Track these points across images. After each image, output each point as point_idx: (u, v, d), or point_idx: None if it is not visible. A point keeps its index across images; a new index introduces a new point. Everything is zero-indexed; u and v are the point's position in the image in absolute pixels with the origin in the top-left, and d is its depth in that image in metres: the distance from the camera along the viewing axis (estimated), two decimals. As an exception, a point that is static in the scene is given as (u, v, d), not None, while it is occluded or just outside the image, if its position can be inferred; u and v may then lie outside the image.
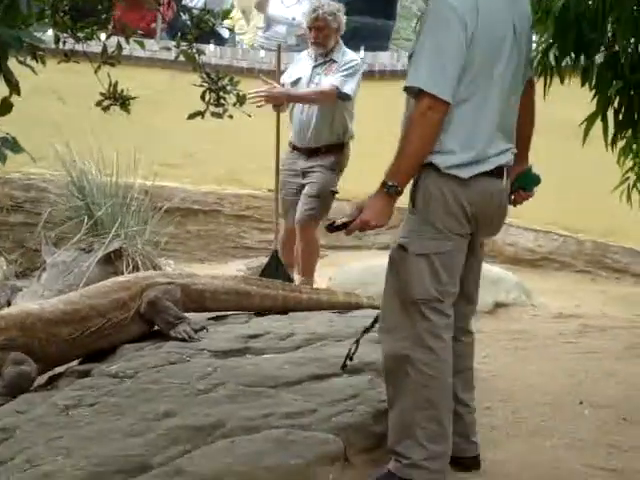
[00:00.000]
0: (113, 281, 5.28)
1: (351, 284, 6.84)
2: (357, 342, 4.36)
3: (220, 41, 9.98)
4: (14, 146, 2.38)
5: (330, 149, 6.69)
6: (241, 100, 4.18)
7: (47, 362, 4.80)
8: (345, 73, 6.54)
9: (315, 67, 6.71)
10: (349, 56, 6.73)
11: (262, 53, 9.41)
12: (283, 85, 6.76)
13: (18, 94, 2.51)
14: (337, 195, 6.79)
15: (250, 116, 4.20)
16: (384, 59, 9.00)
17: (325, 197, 6.68)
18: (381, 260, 7.51)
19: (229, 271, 7.99)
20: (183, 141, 8.87)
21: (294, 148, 6.79)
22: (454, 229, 3.48)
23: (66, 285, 6.89)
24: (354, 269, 7.46)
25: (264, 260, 8.04)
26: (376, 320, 4.01)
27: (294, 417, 3.96)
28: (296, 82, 6.75)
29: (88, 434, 3.89)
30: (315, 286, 6.44)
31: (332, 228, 3.64)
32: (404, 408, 3.57)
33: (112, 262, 7.17)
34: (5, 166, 2.54)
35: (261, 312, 5.40)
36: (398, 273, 3.58)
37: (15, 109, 2.50)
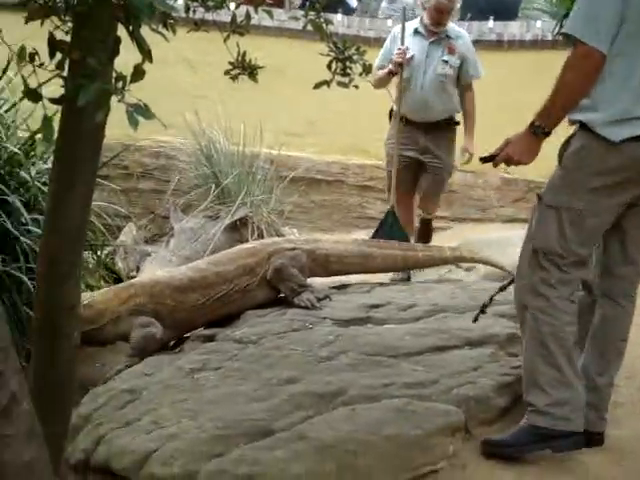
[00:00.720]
0: (239, 248, 5.37)
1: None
2: (491, 298, 4.47)
3: (348, 11, 9.96)
4: (145, 112, 2.42)
5: (448, 125, 6.85)
6: (367, 70, 4.15)
7: (176, 328, 4.92)
8: (475, 59, 6.77)
9: (432, 44, 6.71)
10: (462, 33, 6.87)
11: (389, 23, 9.36)
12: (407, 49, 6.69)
13: (150, 61, 2.55)
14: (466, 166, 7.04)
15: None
16: (514, 29, 8.85)
17: (448, 173, 6.98)
18: (505, 232, 7.50)
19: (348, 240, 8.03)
20: (309, 111, 8.92)
21: (408, 122, 6.80)
22: (596, 192, 3.44)
23: (193, 251, 7.02)
24: (477, 240, 7.38)
25: (387, 229, 8.08)
26: (512, 280, 4.04)
27: (415, 387, 3.95)
28: (410, 59, 6.68)
29: (212, 397, 3.97)
30: None
31: (483, 159, 3.81)
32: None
33: (238, 230, 7.28)
34: (136, 133, 2.58)
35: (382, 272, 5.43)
36: (531, 222, 3.65)
37: (146, 77, 2.55)
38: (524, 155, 3.62)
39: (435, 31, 6.70)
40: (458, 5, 6.84)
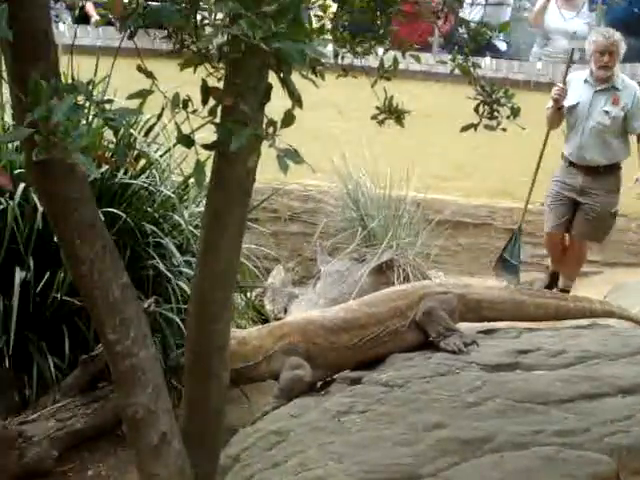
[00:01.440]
0: (391, 290, 5.38)
1: (628, 301, 6.60)
2: None
3: (496, 53, 9.91)
4: (295, 157, 2.46)
5: (609, 169, 7.10)
6: (515, 113, 4.12)
7: (326, 368, 4.94)
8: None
9: (597, 92, 7.03)
10: (631, 85, 7.10)
11: (539, 65, 9.27)
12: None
13: (300, 107, 2.59)
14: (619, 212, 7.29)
15: (524, 129, 4.14)
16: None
17: (605, 219, 7.18)
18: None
19: (499, 285, 7.94)
20: (455, 154, 8.87)
21: (570, 164, 7.18)
22: None
23: (340, 294, 7.05)
24: (629, 286, 7.20)
25: (535, 275, 8.02)
26: None
27: (565, 435, 3.87)
28: (574, 106, 7.08)
29: (359, 440, 3.97)
30: None
31: None
32: None
33: (384, 272, 7.28)
34: (285, 177, 2.62)
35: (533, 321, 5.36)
36: None
37: (296, 122, 2.59)
38: None
39: (603, 79, 6.97)
40: (622, 49, 6.98)
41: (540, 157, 7.50)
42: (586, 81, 7.09)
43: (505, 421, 4.01)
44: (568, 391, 4.29)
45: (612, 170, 7.11)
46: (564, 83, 7.14)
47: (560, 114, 7.18)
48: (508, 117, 4.15)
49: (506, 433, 3.88)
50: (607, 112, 6.96)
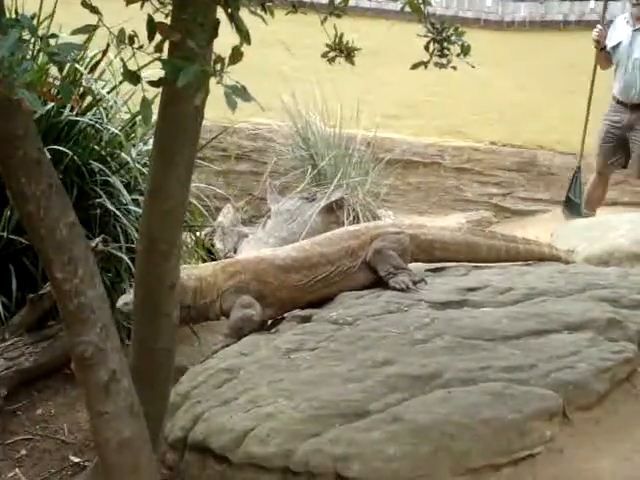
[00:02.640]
0: (344, 230, 5.40)
1: (573, 240, 6.68)
2: None
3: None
4: (244, 94, 2.43)
5: None
6: (466, 51, 4.10)
7: (277, 307, 4.96)
8: None
9: (635, 31, 7.33)
10: None
11: (488, 3, 9.24)
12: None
13: (248, 43, 2.56)
14: None
15: (473, 67, 4.13)
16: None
17: None
18: (606, 216, 7.37)
19: (448, 224, 7.98)
20: (405, 93, 8.87)
21: (618, 102, 7.53)
22: None
23: (290, 233, 7.07)
24: (576, 225, 7.26)
25: (484, 214, 8.10)
26: None
27: (512, 371, 3.92)
28: (616, 46, 7.43)
29: (309, 378, 4.00)
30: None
31: None
32: None
33: (334, 212, 7.29)
34: (234, 115, 2.60)
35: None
36: None
37: (244, 60, 2.56)
38: None
39: (638, 17, 7.29)
40: None
41: (589, 99, 7.74)
42: (627, 21, 7.41)
43: (453, 357, 4.06)
44: (515, 328, 4.35)
45: None
46: (603, 24, 7.52)
47: (605, 55, 7.53)
48: (458, 55, 4.14)
49: (454, 369, 3.93)
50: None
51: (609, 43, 7.47)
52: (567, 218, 7.74)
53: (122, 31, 2.68)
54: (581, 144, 8.04)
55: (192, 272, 4.84)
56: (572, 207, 7.88)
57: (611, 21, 7.63)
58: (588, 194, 7.89)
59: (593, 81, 7.69)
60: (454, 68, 4.14)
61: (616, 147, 7.56)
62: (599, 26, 7.48)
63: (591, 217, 7.62)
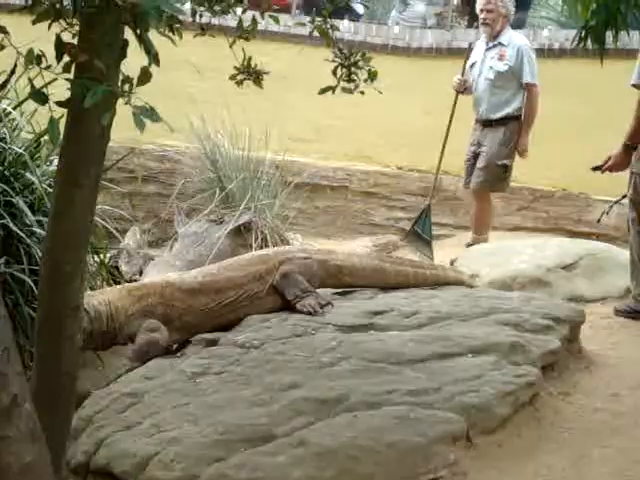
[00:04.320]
0: (252, 254, 5.42)
1: (477, 264, 6.78)
2: (611, 206, 6.07)
3: (355, 17, 9.96)
4: (152, 115, 2.43)
5: (500, 122, 7.54)
6: (372, 76, 4.15)
7: (184, 331, 4.91)
8: (529, 66, 7.41)
9: (487, 50, 7.54)
10: (517, 40, 7.54)
11: (396, 30, 9.36)
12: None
13: (157, 64, 2.55)
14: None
15: (381, 93, 4.18)
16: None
17: (493, 169, 7.57)
18: (509, 242, 7.50)
19: (355, 247, 8.03)
20: (314, 116, 8.92)
21: (475, 121, 7.72)
22: None
23: (197, 255, 7.02)
24: (480, 249, 7.37)
25: (391, 237, 8.20)
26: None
27: (417, 395, 3.95)
28: (473, 65, 7.63)
29: (214, 402, 3.97)
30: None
31: (594, 168, 5.78)
32: None
33: (242, 234, 7.27)
34: (141, 137, 2.59)
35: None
36: None
37: (152, 81, 2.55)
38: (619, 167, 5.65)
39: (489, 35, 7.52)
40: (507, 11, 7.51)
41: (448, 128, 7.78)
42: (483, 41, 7.65)
43: (359, 381, 4.07)
44: (420, 351, 4.39)
45: (502, 122, 7.51)
46: (462, 74, 7.65)
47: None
48: (365, 80, 4.18)
49: (360, 393, 3.94)
50: (491, 67, 7.46)
51: (469, 63, 7.66)
52: (415, 252, 7.74)
53: (31, 51, 2.64)
54: (435, 180, 8.13)
55: (101, 297, 4.78)
56: (422, 243, 7.84)
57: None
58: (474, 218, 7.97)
59: (452, 115, 7.76)
60: (362, 93, 4.19)
61: (474, 164, 7.69)
62: (459, 76, 7.63)
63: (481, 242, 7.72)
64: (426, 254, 7.55)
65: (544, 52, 8.69)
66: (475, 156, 7.63)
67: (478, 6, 7.60)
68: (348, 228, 9.26)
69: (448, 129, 7.73)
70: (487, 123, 7.55)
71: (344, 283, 5.42)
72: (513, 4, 7.62)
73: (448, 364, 4.29)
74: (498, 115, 7.48)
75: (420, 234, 7.76)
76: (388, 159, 9.04)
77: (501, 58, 7.43)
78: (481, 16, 7.52)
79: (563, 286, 6.35)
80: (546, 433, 4.02)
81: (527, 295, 5.44)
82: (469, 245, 7.57)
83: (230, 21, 4.11)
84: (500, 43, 7.47)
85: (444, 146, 7.77)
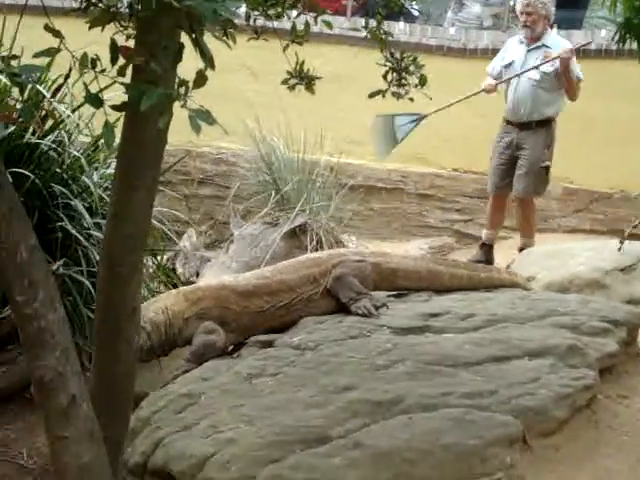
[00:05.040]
0: (306, 257, 5.45)
1: (534, 267, 6.73)
2: None
3: (410, 18, 9.93)
4: (207, 117, 2.44)
5: (540, 124, 7.33)
6: (423, 82, 4.14)
7: (240, 333, 4.96)
8: (576, 66, 7.24)
9: (529, 51, 7.34)
10: (562, 42, 7.36)
11: (452, 31, 9.32)
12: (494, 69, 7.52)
13: (212, 68, 2.56)
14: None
15: (431, 99, 4.18)
16: (578, 38, 8.76)
17: (537, 172, 7.33)
18: (566, 244, 7.43)
19: (410, 250, 8.01)
20: (368, 119, 8.89)
21: (508, 123, 7.43)
22: None
23: (252, 257, 7.05)
24: (537, 252, 7.32)
25: (446, 240, 8.16)
26: None
27: (473, 397, 3.94)
28: (509, 65, 7.40)
29: (270, 403, 3.99)
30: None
31: None
32: None
33: (297, 236, 7.28)
34: (197, 139, 2.60)
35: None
36: None
37: (207, 84, 2.56)
38: None
39: (530, 38, 7.32)
40: (547, 13, 7.31)
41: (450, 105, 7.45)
42: (521, 42, 7.41)
43: (414, 383, 4.06)
44: (476, 354, 4.37)
45: (543, 125, 7.32)
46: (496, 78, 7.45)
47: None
48: (416, 86, 4.18)
49: (415, 395, 3.94)
50: (537, 67, 7.25)
51: (502, 62, 7.47)
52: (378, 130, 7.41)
53: (85, 55, 2.67)
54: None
55: (156, 305, 4.84)
56: (389, 131, 7.43)
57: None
58: (491, 225, 7.72)
59: (457, 102, 7.46)
60: (411, 100, 4.18)
61: (509, 168, 7.45)
62: (492, 80, 7.42)
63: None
64: (381, 147, 7.42)
65: (601, 52, 8.59)
66: (511, 160, 7.41)
67: (518, 8, 7.46)
68: (403, 230, 9.22)
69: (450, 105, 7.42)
70: (527, 125, 7.34)
71: (398, 286, 5.41)
72: (554, 4, 7.47)
73: (504, 367, 4.26)
74: (541, 117, 7.31)
75: (396, 129, 7.38)
76: (444, 161, 8.99)
77: (545, 59, 7.25)
78: (521, 19, 7.38)
79: (621, 289, 6.28)
80: (604, 437, 3.99)
81: (584, 298, 5.39)
82: (521, 249, 7.45)
83: (285, 23, 4.12)
84: (544, 45, 7.33)
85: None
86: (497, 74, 7.45)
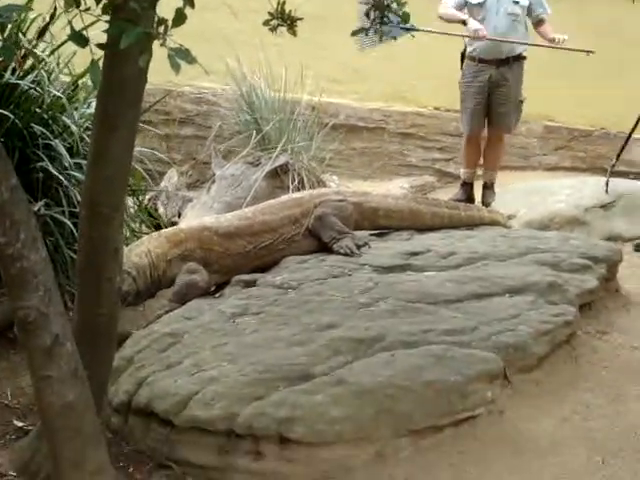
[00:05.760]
0: (288, 197, 5.46)
1: (514, 205, 6.76)
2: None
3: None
4: (187, 56, 2.42)
5: (517, 59, 7.26)
6: (405, 19, 4.11)
7: (223, 273, 4.98)
8: None
9: None
10: None
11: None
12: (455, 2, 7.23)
13: (192, 6, 2.55)
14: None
15: (413, 37, 4.16)
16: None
17: (517, 106, 7.33)
18: (546, 182, 7.46)
19: (392, 189, 8.01)
20: (350, 57, 8.83)
21: (480, 60, 7.24)
22: None
23: (234, 197, 7.04)
24: (518, 190, 7.35)
25: (428, 178, 8.15)
26: None
27: (454, 334, 3.98)
28: (482, 4, 7.17)
29: (253, 341, 4.02)
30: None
31: None
32: None
33: (278, 176, 7.27)
34: (178, 79, 2.59)
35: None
36: None
37: (187, 23, 2.54)
38: None
39: None
40: None
41: None
42: None
43: (396, 321, 4.10)
44: (457, 291, 4.41)
45: (518, 60, 7.26)
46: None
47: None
48: (398, 23, 4.15)
49: (397, 332, 3.97)
50: (516, 2, 7.17)
51: (470, 0, 7.18)
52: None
53: (70, -8, 2.65)
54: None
55: (139, 249, 4.85)
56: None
57: None
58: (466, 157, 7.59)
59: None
60: (394, 38, 4.16)
61: (484, 107, 7.30)
62: (477, 24, 7.06)
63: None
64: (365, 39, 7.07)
65: (583, -11, 8.55)
66: (486, 99, 7.26)
67: None
68: (384, 170, 9.23)
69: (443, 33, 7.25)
70: (504, 62, 7.20)
71: (380, 225, 5.43)
72: None
73: (485, 304, 4.31)
74: (518, 51, 7.22)
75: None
76: (425, 100, 8.97)
77: None
78: None
79: (601, 226, 6.34)
80: (583, 371, 4.05)
81: (564, 235, 5.44)
82: (489, 184, 7.38)
83: (265, -40, 4.08)
84: None
85: None
86: (458, 8, 7.21)
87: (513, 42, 7.07)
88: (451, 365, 3.74)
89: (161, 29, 2.47)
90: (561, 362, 4.05)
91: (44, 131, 5.15)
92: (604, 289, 4.78)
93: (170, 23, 2.49)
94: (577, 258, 4.82)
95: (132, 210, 5.74)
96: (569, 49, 7.07)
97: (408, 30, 6.92)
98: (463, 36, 7.24)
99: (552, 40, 7.08)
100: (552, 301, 4.35)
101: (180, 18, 2.48)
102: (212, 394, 3.64)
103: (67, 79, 5.66)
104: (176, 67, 2.40)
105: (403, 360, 3.76)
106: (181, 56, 2.42)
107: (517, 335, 4.01)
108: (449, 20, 7.24)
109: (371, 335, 3.95)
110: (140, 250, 4.85)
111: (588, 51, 6.97)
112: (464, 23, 7.16)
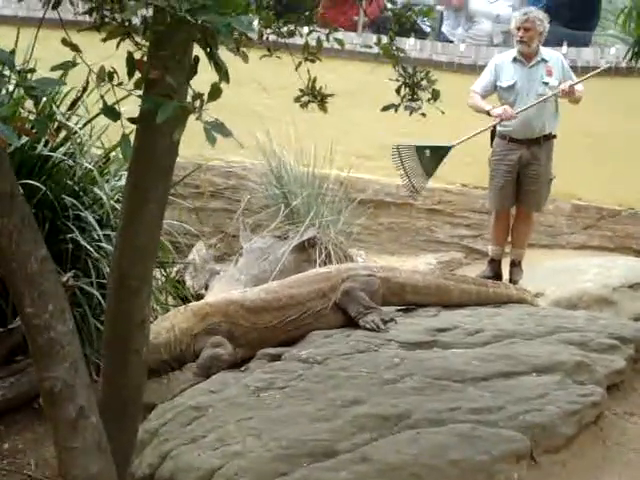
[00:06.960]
0: (315, 271, 5.47)
1: (542, 283, 6.73)
2: None
3: (421, 35, 9.95)
4: (223, 130, 2.46)
5: (548, 138, 7.28)
6: (435, 96, 4.16)
7: (249, 348, 4.97)
8: (570, 74, 7.29)
9: (531, 68, 7.25)
10: (553, 53, 7.40)
11: (462, 47, 9.34)
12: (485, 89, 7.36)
13: (227, 81, 2.58)
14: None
15: (443, 113, 4.19)
16: (587, 55, 8.77)
17: (547, 185, 7.33)
18: (575, 260, 7.43)
19: (419, 265, 8.00)
20: (379, 134, 8.91)
21: (511, 140, 7.25)
22: None
23: (261, 271, 7.06)
24: (546, 268, 7.32)
25: (455, 255, 8.14)
26: None
27: (480, 413, 3.94)
28: (511, 87, 7.25)
29: (277, 416, 3.99)
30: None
31: None
32: None
33: (306, 250, 7.29)
34: (207, 153, 2.62)
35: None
36: None
37: (221, 98, 2.58)
38: None
39: (527, 54, 7.23)
40: (542, 27, 7.23)
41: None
42: (515, 60, 7.30)
43: (422, 398, 4.07)
44: (484, 369, 4.37)
45: (549, 140, 7.29)
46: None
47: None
48: (429, 100, 4.20)
49: (423, 410, 3.94)
50: (546, 83, 7.20)
51: (502, 83, 7.26)
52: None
53: (102, 68, 2.70)
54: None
55: (162, 325, 4.87)
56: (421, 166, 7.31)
57: None
58: (497, 241, 7.53)
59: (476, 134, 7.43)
60: (423, 115, 4.20)
61: (513, 186, 7.28)
62: (507, 106, 7.15)
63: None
64: (415, 181, 7.20)
65: (611, 70, 8.60)
66: (515, 178, 7.25)
67: (515, 24, 7.32)
68: (412, 245, 9.23)
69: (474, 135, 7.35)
70: (536, 141, 7.22)
71: (407, 301, 5.42)
72: (548, 21, 7.35)
73: (512, 383, 4.27)
74: (550, 131, 7.25)
75: (427, 163, 7.26)
76: (452, 176, 8.99)
77: (549, 74, 7.21)
78: (518, 34, 7.23)
79: (629, 305, 6.29)
80: (611, 454, 3.99)
81: (592, 314, 5.40)
82: (516, 262, 7.37)
83: (297, 39, 4.15)
84: (543, 59, 7.27)
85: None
86: (486, 93, 7.31)
87: (539, 102, 7.09)
88: (477, 444, 3.69)
89: (197, 103, 2.50)
90: (588, 443, 3.99)
91: (75, 202, 5.22)
92: (632, 369, 4.72)
93: (206, 97, 2.52)
94: (605, 338, 4.78)
95: (160, 282, 5.77)
96: (590, 76, 7.24)
97: (447, 150, 7.15)
98: (494, 127, 7.28)
99: (564, 91, 7.14)
100: (580, 381, 4.30)
101: (216, 92, 2.52)
102: (236, 469, 3.61)
103: (99, 151, 5.74)
104: (212, 140, 2.43)
105: (429, 438, 3.73)
106: (217, 130, 2.45)
107: (544, 415, 3.97)
108: (477, 111, 7.34)
109: (397, 412, 3.92)
110: (161, 325, 4.88)
111: (608, 66, 7.26)
112: (488, 114, 7.22)
